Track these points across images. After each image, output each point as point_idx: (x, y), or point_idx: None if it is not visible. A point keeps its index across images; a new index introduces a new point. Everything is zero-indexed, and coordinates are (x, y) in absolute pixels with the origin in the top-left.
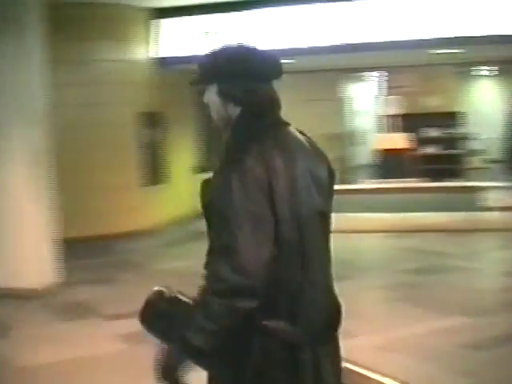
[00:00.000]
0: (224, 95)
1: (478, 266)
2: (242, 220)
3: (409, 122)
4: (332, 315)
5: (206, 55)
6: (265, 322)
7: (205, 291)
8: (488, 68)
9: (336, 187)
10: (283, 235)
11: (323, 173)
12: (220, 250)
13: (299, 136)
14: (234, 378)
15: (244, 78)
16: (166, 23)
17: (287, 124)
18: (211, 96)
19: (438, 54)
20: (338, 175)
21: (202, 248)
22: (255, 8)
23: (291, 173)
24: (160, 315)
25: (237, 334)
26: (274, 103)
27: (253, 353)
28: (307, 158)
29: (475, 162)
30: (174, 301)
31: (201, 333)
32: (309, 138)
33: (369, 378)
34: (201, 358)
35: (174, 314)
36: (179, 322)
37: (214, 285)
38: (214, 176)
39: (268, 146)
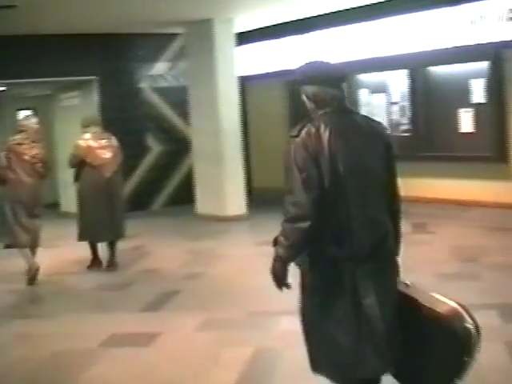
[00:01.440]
0: (305, 95)
1: None
2: (296, 173)
3: None
4: (371, 243)
5: (298, 68)
6: (323, 246)
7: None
8: None
9: None
10: (326, 184)
11: (377, 145)
12: (288, 192)
13: (359, 120)
14: (310, 274)
15: (313, 84)
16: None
17: (349, 112)
18: (302, 96)
19: None
20: None
21: None
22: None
23: (337, 143)
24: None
25: (306, 248)
26: (334, 99)
27: (317, 262)
28: (358, 134)
29: None
30: None
31: (281, 247)
32: (373, 121)
33: (430, 295)
34: (288, 264)
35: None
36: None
37: (284, 215)
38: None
39: (320, 126)
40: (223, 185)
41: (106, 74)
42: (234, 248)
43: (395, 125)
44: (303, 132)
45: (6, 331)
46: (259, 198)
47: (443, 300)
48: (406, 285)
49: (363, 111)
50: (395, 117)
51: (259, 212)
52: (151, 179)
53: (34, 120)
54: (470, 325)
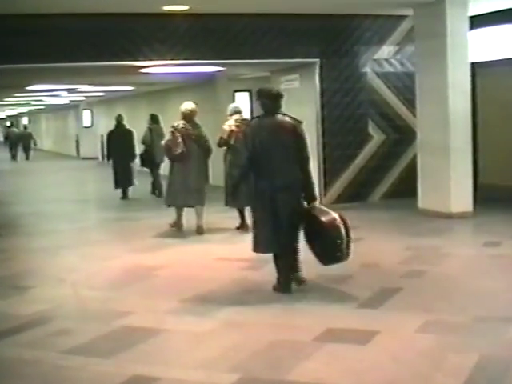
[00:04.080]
0: (259, 104)
1: None
2: (243, 144)
3: None
4: (285, 182)
5: (258, 89)
6: (258, 181)
7: None
8: None
9: None
10: (257, 150)
11: (288, 130)
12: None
13: (281, 117)
14: (254, 198)
15: (260, 98)
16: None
17: (277, 113)
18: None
19: None
20: None
21: None
22: None
23: (265, 128)
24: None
25: (244, 179)
26: (271, 108)
27: (255, 191)
28: (277, 122)
29: None
30: None
31: (234, 178)
32: (288, 116)
33: (322, 208)
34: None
35: None
36: None
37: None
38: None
39: (261, 119)
40: (449, 179)
41: (328, 56)
42: (459, 247)
43: None
44: (251, 123)
45: (217, 318)
46: (486, 195)
47: (330, 212)
48: (313, 205)
49: None
50: None
51: (486, 210)
52: (371, 169)
53: (193, 106)
54: (339, 233)
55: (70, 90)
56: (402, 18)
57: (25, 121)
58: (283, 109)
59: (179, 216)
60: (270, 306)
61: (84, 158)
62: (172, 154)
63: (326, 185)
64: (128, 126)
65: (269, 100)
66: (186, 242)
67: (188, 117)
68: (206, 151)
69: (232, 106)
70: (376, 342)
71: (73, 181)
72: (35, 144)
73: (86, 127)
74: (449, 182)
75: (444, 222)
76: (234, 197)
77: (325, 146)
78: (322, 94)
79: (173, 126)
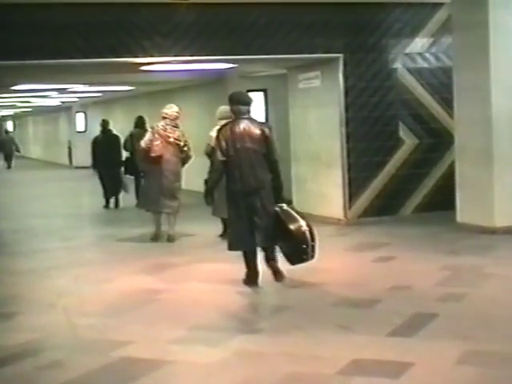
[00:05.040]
0: (231, 109)
1: None
2: (215, 149)
3: None
4: (254, 184)
5: (230, 94)
6: (229, 184)
7: None
8: None
9: None
10: (228, 154)
11: (257, 133)
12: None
13: (250, 121)
14: (227, 200)
15: (231, 104)
16: None
17: (245, 117)
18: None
19: None
20: None
21: None
22: None
23: (235, 133)
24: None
25: (218, 183)
26: (241, 112)
27: (227, 193)
28: (246, 127)
29: None
30: None
31: (209, 182)
32: (256, 121)
33: (291, 214)
34: (212, 190)
35: None
36: None
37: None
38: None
39: (232, 123)
40: (492, 189)
41: (353, 50)
42: (503, 267)
43: None
44: (223, 127)
45: (227, 346)
46: None
47: (297, 219)
48: (281, 207)
49: None
50: None
51: None
52: (402, 179)
53: (175, 109)
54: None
55: (60, 91)
56: (438, 6)
57: (9, 125)
58: (302, 114)
59: (157, 224)
60: (287, 334)
61: (77, 167)
62: (147, 157)
63: (351, 197)
64: (115, 132)
65: (239, 105)
66: (190, 262)
67: (169, 119)
68: (185, 156)
69: (221, 108)
70: (409, 375)
71: (64, 193)
72: (18, 150)
73: (79, 132)
74: (492, 193)
75: (486, 239)
76: (213, 204)
77: (349, 152)
78: (347, 94)
79: (152, 127)
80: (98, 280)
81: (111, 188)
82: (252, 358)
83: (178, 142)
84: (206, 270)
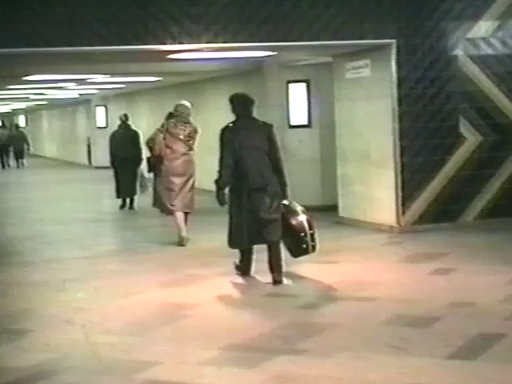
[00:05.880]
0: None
1: None
2: (223, 147)
3: None
4: (261, 181)
5: (231, 96)
6: (236, 181)
7: None
8: None
9: None
10: (235, 154)
11: (260, 133)
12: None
13: (253, 121)
14: (231, 196)
15: (233, 105)
16: None
17: (250, 118)
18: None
19: None
20: None
21: None
22: None
23: (240, 133)
24: None
25: (229, 182)
26: (243, 113)
27: (230, 190)
28: (250, 128)
29: None
30: None
31: (220, 182)
32: (260, 122)
33: (293, 209)
34: (223, 190)
35: None
36: None
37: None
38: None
39: (236, 124)
40: None
41: (407, 36)
42: None
43: None
44: (228, 126)
45: (266, 369)
46: None
47: (298, 213)
48: (284, 204)
49: None
50: None
51: None
52: (463, 180)
53: (188, 104)
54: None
55: (79, 82)
56: None
57: (21, 120)
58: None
59: (179, 226)
60: (334, 356)
61: (97, 168)
62: (152, 154)
63: (405, 200)
64: (133, 127)
65: (241, 106)
66: (220, 274)
67: (180, 116)
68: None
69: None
70: None
71: (82, 196)
72: (28, 148)
73: (99, 128)
74: None
75: None
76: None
77: (403, 151)
78: (400, 85)
79: (162, 125)
80: (120, 293)
81: (127, 188)
82: (294, 383)
83: (188, 139)
84: (238, 282)
